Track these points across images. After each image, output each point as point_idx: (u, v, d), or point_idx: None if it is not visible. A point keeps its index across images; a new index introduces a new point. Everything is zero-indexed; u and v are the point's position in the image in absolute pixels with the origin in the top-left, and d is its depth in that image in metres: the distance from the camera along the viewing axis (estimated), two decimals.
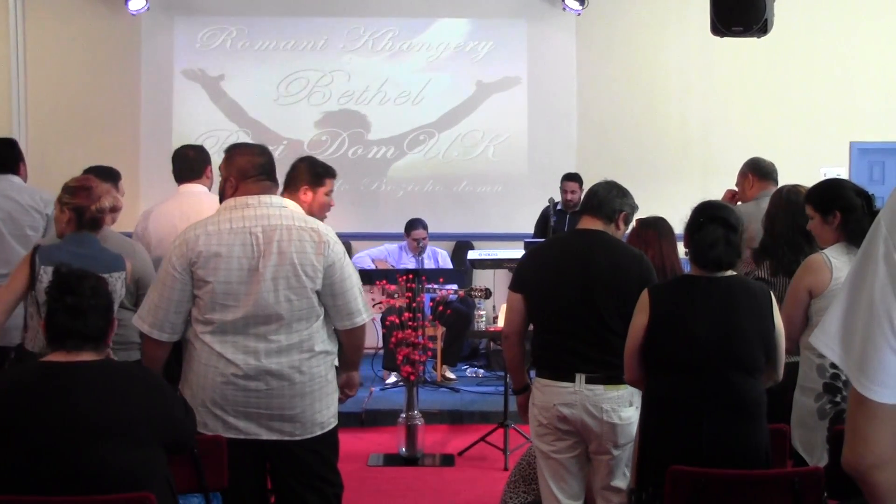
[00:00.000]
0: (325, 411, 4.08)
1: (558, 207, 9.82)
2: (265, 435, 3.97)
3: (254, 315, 3.90)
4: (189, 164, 5.71)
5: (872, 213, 4.27)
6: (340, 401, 4.32)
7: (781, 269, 4.86)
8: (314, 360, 4.00)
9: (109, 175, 5.19)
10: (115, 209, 4.54)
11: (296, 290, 3.92)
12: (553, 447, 4.39)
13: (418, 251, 9.62)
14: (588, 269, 4.31)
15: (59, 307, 3.27)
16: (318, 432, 4.06)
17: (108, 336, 3.36)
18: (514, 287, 4.54)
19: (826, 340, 1.79)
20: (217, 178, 4.40)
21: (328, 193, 5.05)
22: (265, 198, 4.01)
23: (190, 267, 3.92)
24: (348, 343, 4.22)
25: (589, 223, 4.47)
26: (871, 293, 1.72)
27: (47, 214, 5.83)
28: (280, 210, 4.00)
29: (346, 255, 4.10)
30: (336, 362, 4.24)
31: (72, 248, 4.40)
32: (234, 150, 4.19)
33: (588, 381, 4.26)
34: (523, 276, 4.53)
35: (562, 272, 4.37)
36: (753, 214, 5.42)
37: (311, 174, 5.03)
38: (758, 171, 6.47)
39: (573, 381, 4.28)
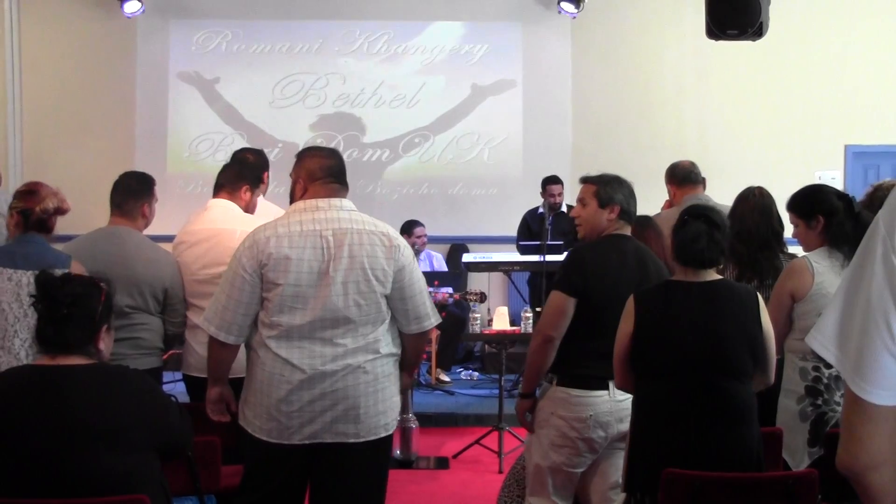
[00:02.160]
0: (388, 412, 4.03)
1: (540, 211, 9.66)
2: (329, 438, 3.92)
3: (321, 319, 3.86)
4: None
5: (854, 216, 4.30)
6: None
7: (754, 275, 4.85)
8: (379, 361, 3.97)
9: (144, 180, 5.14)
10: (60, 211, 4.52)
11: (365, 295, 3.89)
12: (569, 461, 4.32)
13: (417, 251, 9.65)
14: (644, 277, 4.23)
15: (39, 313, 3.26)
16: (383, 434, 4.01)
17: (95, 342, 3.32)
18: (568, 290, 4.27)
19: (822, 341, 1.79)
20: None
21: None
22: (335, 201, 3.99)
23: (260, 269, 3.87)
24: (413, 346, 4.18)
25: (624, 230, 4.42)
26: (868, 294, 1.71)
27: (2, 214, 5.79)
28: (350, 214, 3.98)
29: (415, 259, 4.09)
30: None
31: (15, 248, 4.41)
32: (303, 153, 4.17)
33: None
34: (585, 280, 4.28)
35: (622, 280, 4.24)
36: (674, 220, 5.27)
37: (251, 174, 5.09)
38: (673, 180, 6.48)
39: (606, 388, 4.22)
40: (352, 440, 3.94)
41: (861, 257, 1.77)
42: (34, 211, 4.45)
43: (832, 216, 4.35)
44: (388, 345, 4.01)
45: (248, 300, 3.90)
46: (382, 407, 4.00)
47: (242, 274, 3.89)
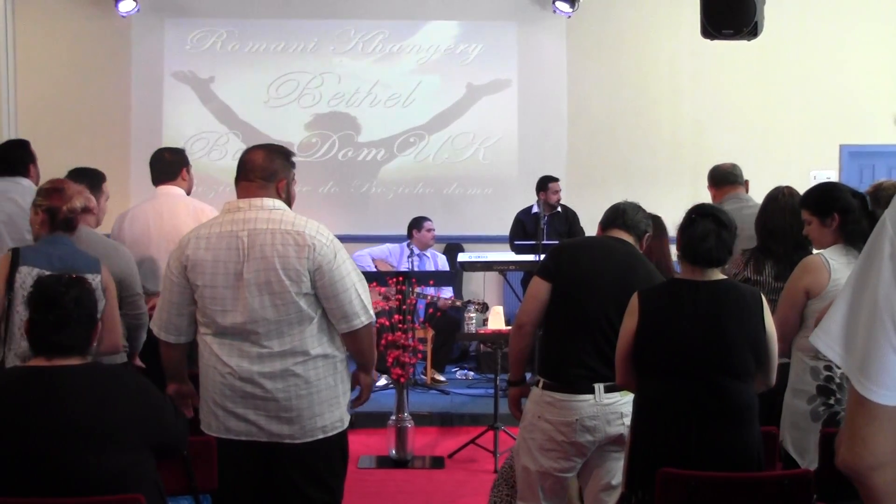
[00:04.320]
0: (327, 415, 3.99)
1: (534, 210, 9.63)
2: (264, 437, 3.94)
3: (243, 322, 3.87)
4: (166, 166, 5.72)
5: (869, 214, 4.29)
6: (354, 405, 4.28)
7: (790, 271, 4.82)
8: (310, 363, 3.93)
9: (93, 176, 5.13)
10: (87, 210, 4.50)
11: (280, 296, 3.86)
12: (558, 465, 4.31)
13: (425, 247, 9.69)
14: (631, 279, 4.20)
15: (41, 320, 3.25)
16: (321, 436, 3.99)
17: (92, 342, 3.35)
18: (543, 274, 4.34)
19: (827, 341, 1.77)
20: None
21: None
22: (256, 201, 3.96)
23: (183, 271, 3.93)
24: (350, 346, 4.10)
25: (623, 236, 4.43)
26: (874, 294, 1.71)
27: None
28: (269, 213, 3.93)
29: (340, 256, 3.94)
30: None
31: (47, 249, 4.37)
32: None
33: (606, 391, 4.20)
34: (560, 265, 4.33)
35: (601, 273, 4.27)
36: None
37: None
38: (712, 181, 6.54)
39: (592, 392, 4.20)
40: (287, 441, 3.95)
41: (867, 257, 1.76)
42: (61, 210, 4.41)
43: (848, 214, 4.33)
44: (320, 345, 3.97)
45: (178, 301, 3.99)
46: (319, 410, 3.97)
47: (170, 276, 4.00)
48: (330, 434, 4.03)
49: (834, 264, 4.26)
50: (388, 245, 9.98)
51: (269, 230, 3.88)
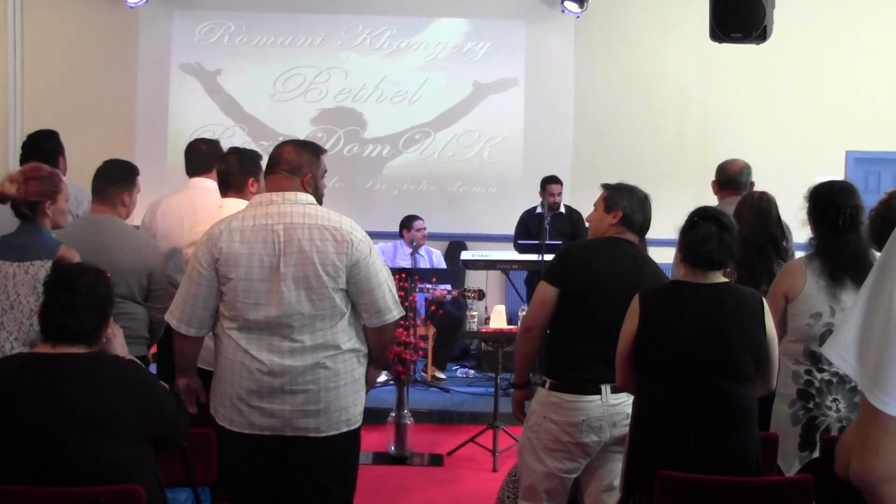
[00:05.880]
0: (352, 408, 4.03)
1: (538, 211, 9.63)
2: (289, 432, 3.94)
3: (277, 315, 3.87)
4: (201, 157, 5.65)
5: (835, 233, 4.29)
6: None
7: (747, 278, 4.82)
8: (340, 356, 3.95)
9: (125, 168, 5.07)
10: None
11: (316, 291, 3.87)
12: (563, 466, 4.30)
13: (416, 246, 9.64)
14: (639, 281, 4.17)
15: (53, 302, 3.27)
16: (345, 429, 4.01)
17: (102, 332, 3.35)
18: (550, 279, 4.33)
19: (839, 351, 1.75)
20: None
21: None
22: (290, 195, 3.96)
23: (214, 263, 3.90)
24: (376, 340, 4.14)
25: (627, 236, 4.40)
26: (888, 305, 1.69)
27: (77, 216, 5.74)
28: (304, 207, 3.94)
29: (374, 252, 4.01)
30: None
31: (8, 239, 4.33)
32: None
33: (613, 392, 4.19)
34: (567, 269, 4.33)
35: (610, 276, 4.25)
36: None
37: (251, 164, 4.97)
38: (718, 179, 6.24)
39: (599, 393, 4.21)
40: (313, 434, 3.96)
41: (882, 267, 1.74)
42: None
43: (821, 225, 4.36)
44: (349, 339, 3.99)
45: (205, 294, 3.95)
46: (345, 402, 3.99)
47: (198, 268, 3.94)
48: (353, 427, 4.05)
49: (809, 270, 4.28)
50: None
51: (305, 225, 3.89)
